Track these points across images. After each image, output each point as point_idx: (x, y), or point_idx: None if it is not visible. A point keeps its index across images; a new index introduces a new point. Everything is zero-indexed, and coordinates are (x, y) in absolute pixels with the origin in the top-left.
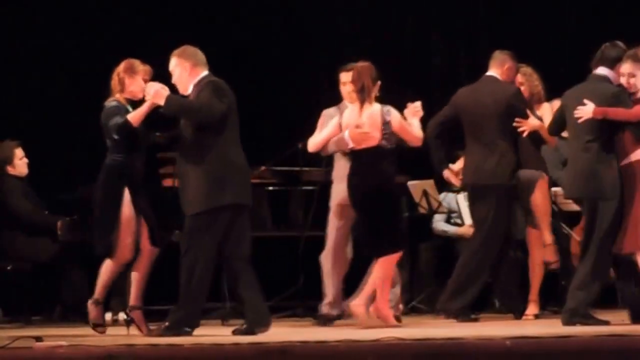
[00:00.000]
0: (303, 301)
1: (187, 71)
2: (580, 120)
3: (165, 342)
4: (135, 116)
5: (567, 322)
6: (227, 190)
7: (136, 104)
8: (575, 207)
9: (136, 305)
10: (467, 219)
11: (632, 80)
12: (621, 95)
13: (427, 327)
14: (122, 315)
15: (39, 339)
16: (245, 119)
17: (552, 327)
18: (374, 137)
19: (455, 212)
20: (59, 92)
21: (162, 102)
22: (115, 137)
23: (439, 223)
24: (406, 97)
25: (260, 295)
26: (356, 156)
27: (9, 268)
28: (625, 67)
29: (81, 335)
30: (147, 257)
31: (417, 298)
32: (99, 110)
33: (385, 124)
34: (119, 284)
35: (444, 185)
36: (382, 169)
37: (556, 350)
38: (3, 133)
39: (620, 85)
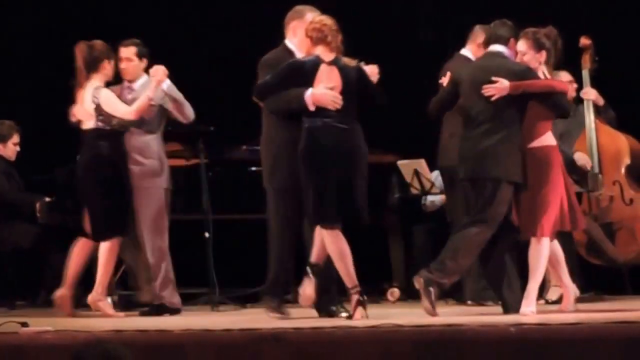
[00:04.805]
0: None
1: None
2: (494, 98)
3: (155, 327)
4: None
5: None
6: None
7: None
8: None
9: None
10: None
11: (524, 58)
12: (528, 72)
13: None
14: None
15: (24, 324)
16: (228, 98)
17: (559, 314)
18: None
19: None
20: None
21: None
22: None
23: (427, 197)
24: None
25: None
26: None
27: None
28: (520, 44)
29: (67, 321)
30: None
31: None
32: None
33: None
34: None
35: (435, 164)
36: (99, 151)
37: (564, 338)
38: None
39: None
